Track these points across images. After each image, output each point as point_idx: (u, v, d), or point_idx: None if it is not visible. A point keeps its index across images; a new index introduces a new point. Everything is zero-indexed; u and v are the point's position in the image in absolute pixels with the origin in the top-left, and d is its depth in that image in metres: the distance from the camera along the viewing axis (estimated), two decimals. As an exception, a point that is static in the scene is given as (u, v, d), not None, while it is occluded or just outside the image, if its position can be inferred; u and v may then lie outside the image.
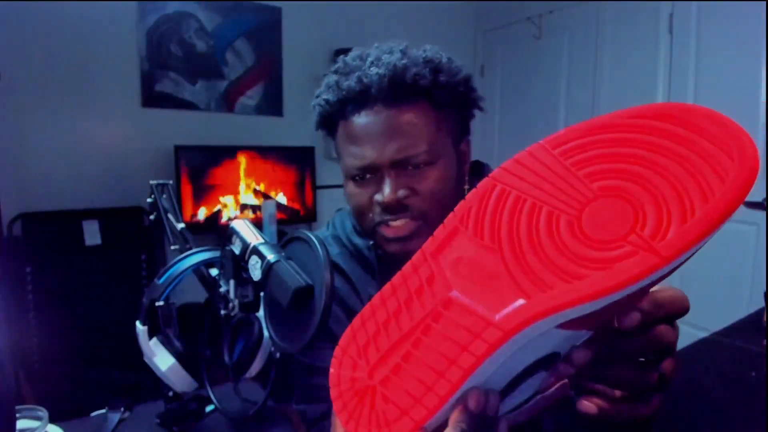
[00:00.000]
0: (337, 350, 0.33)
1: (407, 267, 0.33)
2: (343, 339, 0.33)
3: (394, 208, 0.65)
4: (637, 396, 0.34)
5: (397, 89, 0.64)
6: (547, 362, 0.31)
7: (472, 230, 0.31)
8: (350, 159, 0.67)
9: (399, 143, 0.64)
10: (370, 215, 0.68)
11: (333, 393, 0.32)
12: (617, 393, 0.34)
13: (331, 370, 0.32)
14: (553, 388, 0.34)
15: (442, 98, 0.67)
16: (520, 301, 0.27)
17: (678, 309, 0.32)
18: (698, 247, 0.24)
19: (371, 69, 0.65)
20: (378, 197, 0.66)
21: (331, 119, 0.70)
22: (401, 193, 0.65)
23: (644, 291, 0.29)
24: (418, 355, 0.29)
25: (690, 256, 0.25)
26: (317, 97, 0.71)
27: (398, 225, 0.66)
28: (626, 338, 0.31)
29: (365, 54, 0.68)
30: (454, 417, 0.28)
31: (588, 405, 0.33)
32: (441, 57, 0.68)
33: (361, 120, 0.66)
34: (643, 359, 0.33)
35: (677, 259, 0.24)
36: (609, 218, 0.27)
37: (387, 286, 0.33)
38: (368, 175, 0.67)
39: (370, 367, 0.30)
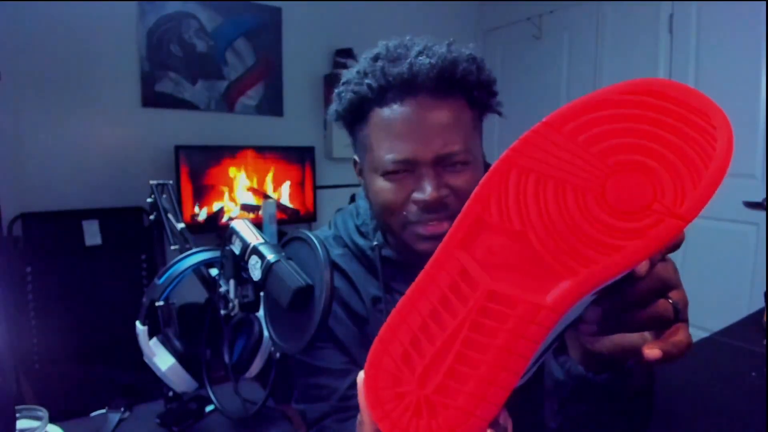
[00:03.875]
0: (368, 368, 0.31)
1: (431, 265, 0.31)
2: (372, 354, 0.31)
3: (435, 207, 0.63)
4: (664, 330, 0.36)
5: (444, 82, 0.63)
6: (570, 327, 0.33)
7: (497, 217, 0.30)
8: (386, 152, 0.64)
9: (443, 138, 0.63)
10: (404, 213, 0.65)
11: (376, 414, 0.30)
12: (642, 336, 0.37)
13: (366, 390, 0.30)
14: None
15: (480, 97, 0.66)
16: (567, 281, 0.28)
17: (675, 245, 0.34)
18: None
19: (420, 58, 0.63)
20: (419, 195, 0.63)
21: (363, 108, 0.67)
22: (443, 192, 0.63)
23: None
24: (472, 354, 0.28)
25: None
26: (345, 83, 0.68)
27: (435, 224, 0.64)
28: (635, 284, 0.33)
29: (407, 43, 0.66)
30: None
31: (653, 351, 0.34)
32: (480, 57, 0.67)
33: (403, 109, 0.63)
34: (652, 299, 0.34)
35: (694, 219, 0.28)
36: (630, 191, 0.29)
37: (412, 290, 0.31)
38: (403, 171, 0.64)
39: (417, 377, 0.29)
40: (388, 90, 0.64)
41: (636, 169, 0.29)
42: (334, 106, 0.71)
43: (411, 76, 0.62)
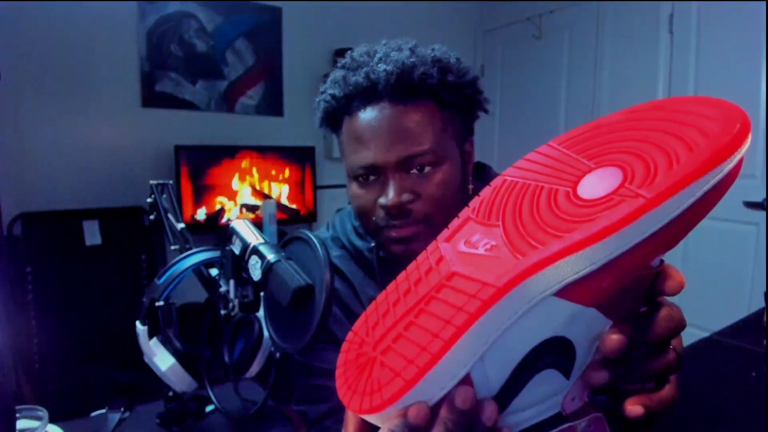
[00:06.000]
0: (349, 335, 0.33)
1: (421, 255, 0.34)
2: (356, 324, 0.34)
3: (397, 213, 0.64)
4: (663, 382, 0.34)
5: (404, 87, 0.64)
6: (557, 354, 0.30)
7: (481, 216, 0.33)
8: (354, 158, 0.66)
9: (404, 143, 0.64)
10: (374, 218, 0.67)
11: (338, 372, 0.32)
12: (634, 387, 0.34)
13: (341, 354, 0.33)
14: (584, 420, 0.32)
15: (449, 99, 0.66)
16: (515, 262, 0.28)
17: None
18: (690, 197, 0.25)
19: (379, 65, 0.64)
20: (382, 200, 0.65)
21: (336, 115, 0.69)
22: (405, 197, 0.64)
23: (645, 257, 0.28)
24: (418, 323, 0.30)
25: (688, 216, 0.26)
26: (322, 93, 0.70)
27: (403, 228, 0.65)
28: (650, 323, 0.31)
29: (373, 50, 0.68)
30: (442, 413, 0.28)
31: (636, 408, 0.32)
32: (449, 57, 0.67)
33: (366, 116, 0.65)
34: (666, 340, 0.32)
35: (664, 203, 0.25)
36: (603, 183, 0.29)
37: (401, 273, 0.34)
38: (372, 177, 0.66)
39: (374, 341, 0.31)
40: (353, 99, 0.66)
41: (612, 163, 0.30)
42: (316, 115, 0.73)
43: (370, 84, 0.64)
